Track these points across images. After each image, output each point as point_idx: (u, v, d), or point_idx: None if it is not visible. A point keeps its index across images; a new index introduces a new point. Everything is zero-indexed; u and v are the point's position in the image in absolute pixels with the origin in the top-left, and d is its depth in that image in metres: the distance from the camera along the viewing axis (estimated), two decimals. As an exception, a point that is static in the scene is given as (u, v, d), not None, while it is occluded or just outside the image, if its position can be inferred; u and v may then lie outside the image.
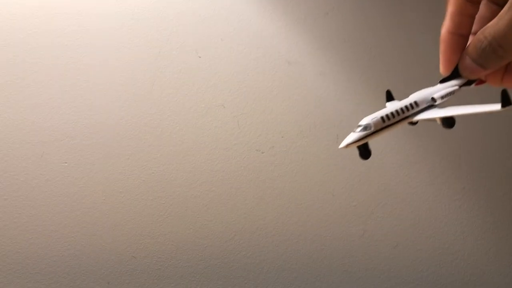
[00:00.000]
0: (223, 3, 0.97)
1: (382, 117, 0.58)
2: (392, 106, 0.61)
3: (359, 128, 0.57)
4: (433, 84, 0.57)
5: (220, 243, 0.93)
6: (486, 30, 0.40)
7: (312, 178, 0.98)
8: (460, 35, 0.46)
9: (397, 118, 0.59)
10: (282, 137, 0.98)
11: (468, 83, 0.66)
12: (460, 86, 0.66)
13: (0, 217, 0.89)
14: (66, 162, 0.92)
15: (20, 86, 0.92)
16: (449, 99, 0.63)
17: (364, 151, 0.59)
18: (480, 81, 0.58)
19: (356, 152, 0.99)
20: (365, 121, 0.58)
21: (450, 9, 0.46)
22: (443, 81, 0.67)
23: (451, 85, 0.65)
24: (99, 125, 0.93)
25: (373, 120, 0.57)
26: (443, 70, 0.50)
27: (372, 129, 0.57)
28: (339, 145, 0.55)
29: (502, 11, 0.39)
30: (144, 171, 0.93)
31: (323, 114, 1.00)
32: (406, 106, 0.60)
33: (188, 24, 0.96)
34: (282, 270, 0.94)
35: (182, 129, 0.95)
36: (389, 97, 0.70)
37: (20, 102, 0.92)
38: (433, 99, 0.62)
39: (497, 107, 0.51)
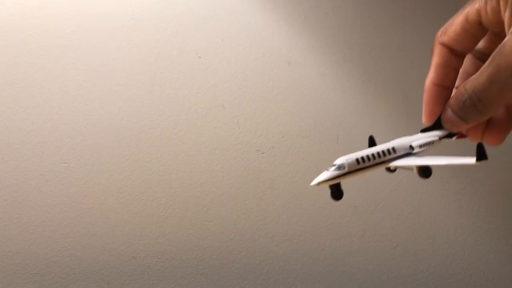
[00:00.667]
0: (223, 3, 0.97)
1: (357, 159, 0.58)
2: (369, 149, 0.60)
3: (333, 167, 0.56)
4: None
5: (220, 244, 0.93)
6: (468, 84, 0.41)
7: (312, 179, 0.97)
8: (444, 87, 0.46)
9: (372, 162, 0.58)
10: (282, 137, 0.98)
11: (449, 135, 0.66)
12: (441, 138, 0.67)
13: (0, 217, 0.89)
14: (66, 163, 0.92)
15: (20, 86, 0.92)
16: (428, 149, 0.63)
17: (336, 191, 0.58)
18: (461, 135, 0.59)
19: (357, 150, 0.98)
20: (339, 160, 0.57)
21: (435, 60, 0.47)
22: (424, 130, 0.68)
23: (431, 136, 0.66)
24: (99, 126, 0.93)
25: (348, 160, 0.57)
26: (425, 120, 0.50)
27: (346, 170, 0.56)
28: (311, 182, 0.54)
29: (483, 66, 0.39)
30: (144, 171, 0.93)
31: (324, 114, 1.00)
32: (383, 151, 0.60)
33: (188, 25, 0.96)
34: (282, 271, 0.94)
35: (182, 130, 0.95)
36: (371, 143, 0.70)
37: (20, 102, 0.92)
38: (411, 147, 0.62)
39: (472, 160, 0.52)
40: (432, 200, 1.01)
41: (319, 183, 0.55)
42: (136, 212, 0.92)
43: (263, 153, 0.97)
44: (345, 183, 0.99)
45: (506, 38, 0.37)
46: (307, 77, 1.01)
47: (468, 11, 0.42)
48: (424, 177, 0.59)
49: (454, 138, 0.65)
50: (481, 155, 0.51)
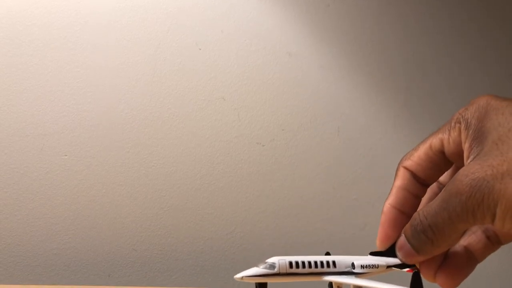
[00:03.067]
0: (224, -6, 0.97)
1: (290, 262, 0.55)
2: (308, 257, 0.58)
3: (264, 265, 0.54)
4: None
5: (220, 236, 0.93)
6: (421, 209, 0.39)
7: (312, 171, 0.98)
8: (403, 212, 0.44)
9: (307, 270, 0.56)
10: (282, 130, 0.98)
11: (401, 266, 0.64)
12: (390, 266, 0.64)
13: (0, 210, 0.89)
14: (66, 155, 0.92)
15: (20, 78, 0.92)
16: (370, 272, 0.59)
17: None
18: (413, 269, 0.58)
19: (359, 143, 0.99)
20: (272, 259, 0.55)
21: (396, 183, 0.45)
22: (375, 254, 0.65)
23: (379, 260, 0.63)
24: (99, 118, 0.93)
25: (280, 261, 0.54)
26: (379, 244, 0.47)
27: (276, 271, 0.54)
28: (237, 274, 0.52)
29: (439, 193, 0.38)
30: (145, 164, 0.93)
31: (324, 106, 1.00)
32: (321, 262, 0.57)
33: (188, 16, 0.95)
34: (282, 263, 0.94)
35: (182, 122, 0.95)
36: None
37: (19, 94, 0.91)
38: (353, 265, 0.59)
39: None
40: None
41: (243, 277, 0.53)
42: (137, 204, 0.92)
43: (263, 146, 0.97)
44: (346, 176, 0.98)
45: (462, 168, 0.36)
46: (308, 69, 1.00)
47: (432, 140, 0.42)
48: None
49: (405, 270, 0.63)
50: (416, 286, 0.48)
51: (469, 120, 0.38)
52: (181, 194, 0.93)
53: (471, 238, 0.43)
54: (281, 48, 0.99)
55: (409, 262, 0.43)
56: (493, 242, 0.42)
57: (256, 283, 0.57)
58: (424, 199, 0.45)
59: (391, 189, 0.45)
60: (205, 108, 0.96)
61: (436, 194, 0.40)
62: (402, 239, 0.42)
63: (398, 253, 0.43)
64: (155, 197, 0.93)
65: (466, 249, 0.42)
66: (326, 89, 1.00)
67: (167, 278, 0.90)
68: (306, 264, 0.57)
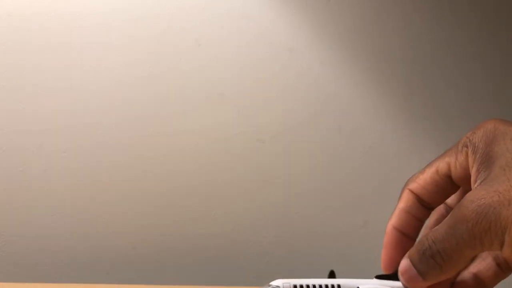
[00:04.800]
0: (223, -11, 0.96)
1: (295, 286, 0.54)
2: (312, 280, 0.56)
3: None
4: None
5: (220, 234, 0.93)
6: (429, 233, 0.39)
7: (313, 169, 0.97)
8: (405, 234, 0.44)
9: None
10: (283, 127, 0.97)
11: None
12: None
13: (-1, 207, 0.89)
14: (65, 152, 0.91)
15: (18, 74, 0.91)
16: None
17: None
18: None
19: (360, 141, 0.98)
20: (276, 282, 0.54)
21: (400, 205, 0.45)
22: (380, 277, 0.64)
23: (385, 285, 0.62)
24: (98, 115, 0.92)
25: (285, 284, 0.53)
26: (383, 267, 0.48)
27: None
28: None
29: (446, 217, 0.38)
30: (144, 161, 0.93)
31: (326, 103, 0.99)
32: (326, 285, 0.56)
33: (187, 12, 0.95)
34: (283, 261, 0.94)
35: (181, 118, 0.94)
36: (331, 277, 0.67)
37: (18, 91, 0.91)
38: None
39: None
40: (435, 190, 1.00)
41: None
42: (136, 202, 0.92)
43: (263, 143, 0.96)
44: (347, 173, 0.98)
45: (468, 193, 0.36)
46: (309, 65, 0.99)
47: (439, 163, 0.42)
48: None
49: None
50: None
51: (476, 144, 0.38)
52: (180, 192, 0.93)
53: (481, 264, 0.42)
54: (282, 44, 0.98)
55: (412, 287, 0.43)
56: (503, 269, 0.42)
57: None
58: (430, 221, 0.45)
59: (394, 210, 0.46)
60: (205, 105, 0.95)
61: (443, 216, 0.41)
62: (406, 263, 0.41)
63: (401, 278, 0.43)
64: (154, 195, 0.92)
65: (476, 276, 0.42)
66: (328, 85, 0.99)
67: (167, 276, 0.90)
68: (311, 287, 0.57)
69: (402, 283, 0.46)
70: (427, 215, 0.45)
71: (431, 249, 0.38)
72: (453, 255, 0.36)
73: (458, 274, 0.42)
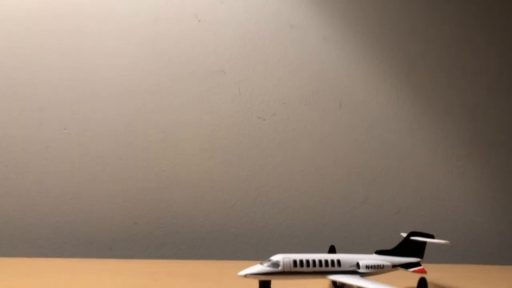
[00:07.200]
0: (224, -36, 0.94)
1: (295, 260, 0.56)
2: (312, 255, 0.58)
3: (268, 263, 0.55)
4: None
5: (221, 210, 0.94)
6: None
7: (313, 145, 0.97)
8: None
9: (311, 269, 0.57)
10: (284, 103, 0.97)
11: (406, 266, 0.63)
12: (397, 266, 0.64)
13: (1, 184, 0.89)
14: (66, 129, 0.91)
15: (18, 53, 0.90)
16: (375, 272, 0.61)
17: None
18: (420, 269, 0.59)
19: (360, 117, 0.96)
20: (276, 257, 0.56)
21: None
22: (380, 252, 0.64)
23: (384, 260, 0.63)
24: (98, 92, 0.92)
25: (285, 259, 0.55)
26: None
27: (280, 269, 0.55)
28: (239, 272, 0.53)
29: None
30: (145, 138, 0.92)
31: (326, 80, 0.98)
32: (326, 260, 0.58)
33: (187, -13, 0.93)
34: (283, 236, 0.95)
35: (182, 95, 0.94)
36: (331, 252, 0.67)
37: (18, 69, 0.90)
38: (358, 265, 0.60)
39: None
40: (435, 166, 1.00)
41: (246, 275, 0.54)
42: (137, 178, 0.92)
43: (264, 120, 0.96)
44: (347, 150, 0.98)
45: None
46: (310, 41, 0.98)
47: None
48: None
49: (411, 270, 0.63)
50: None
51: None
52: (181, 169, 0.93)
53: None
54: (283, 19, 0.97)
55: None
56: None
57: (259, 281, 0.57)
58: None
59: None
60: (205, 82, 0.94)
61: None
62: None
63: None
64: (155, 172, 0.92)
65: None
66: (328, 61, 0.99)
67: (168, 251, 0.91)
68: (311, 262, 0.57)
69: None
70: None
71: None
72: None
73: None
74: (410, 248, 0.65)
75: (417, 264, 0.64)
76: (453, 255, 0.97)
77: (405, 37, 1.01)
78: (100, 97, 0.92)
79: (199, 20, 0.95)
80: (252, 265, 0.57)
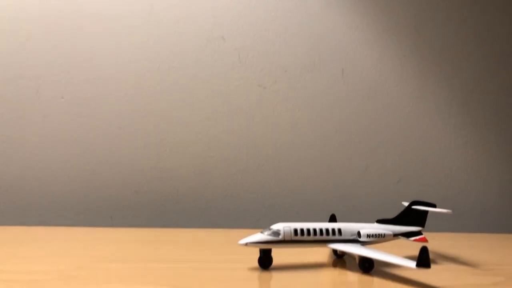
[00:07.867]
0: None
1: (295, 229, 0.56)
2: (312, 224, 0.58)
3: (268, 231, 0.56)
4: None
5: (222, 179, 0.93)
6: None
7: (315, 114, 0.96)
8: None
9: (312, 238, 0.57)
10: (285, 71, 0.95)
11: (407, 235, 0.63)
12: (398, 235, 0.63)
13: (0, 154, 0.88)
14: (63, 98, 0.90)
15: (13, 18, 0.88)
16: (376, 241, 0.61)
17: (264, 258, 0.56)
18: (421, 238, 0.59)
19: (363, 85, 0.95)
20: (277, 226, 0.56)
21: None
22: (381, 221, 0.64)
23: (385, 229, 0.62)
24: (96, 60, 0.90)
25: (285, 228, 0.56)
26: None
27: (280, 238, 0.55)
28: (240, 240, 0.54)
29: None
30: (143, 106, 0.91)
31: (328, 47, 0.97)
32: (327, 229, 0.58)
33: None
34: (284, 204, 0.95)
35: (181, 63, 0.92)
36: (332, 220, 0.67)
37: (13, 34, 0.89)
38: (359, 234, 0.60)
39: (412, 264, 0.50)
40: (437, 135, 0.99)
41: (247, 244, 0.54)
42: (137, 147, 0.91)
43: (265, 88, 0.95)
44: (348, 119, 0.97)
45: None
46: (312, 8, 0.96)
47: None
48: (363, 270, 0.57)
49: (412, 239, 0.62)
50: (423, 261, 0.49)
51: None
52: (181, 138, 0.92)
53: None
54: (284, -16, 0.95)
55: None
56: None
57: (260, 249, 0.57)
58: None
59: None
60: (204, 49, 0.93)
61: None
62: None
63: None
64: (155, 141, 0.92)
65: None
66: (331, 28, 0.96)
67: (169, 220, 0.91)
68: (311, 231, 0.57)
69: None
70: None
71: None
72: None
73: None
74: (412, 217, 0.65)
75: (418, 233, 0.64)
76: (454, 224, 0.97)
77: (410, 2, 0.98)
78: (96, 66, 0.90)
79: (198, -15, 0.92)
80: (253, 233, 0.57)
